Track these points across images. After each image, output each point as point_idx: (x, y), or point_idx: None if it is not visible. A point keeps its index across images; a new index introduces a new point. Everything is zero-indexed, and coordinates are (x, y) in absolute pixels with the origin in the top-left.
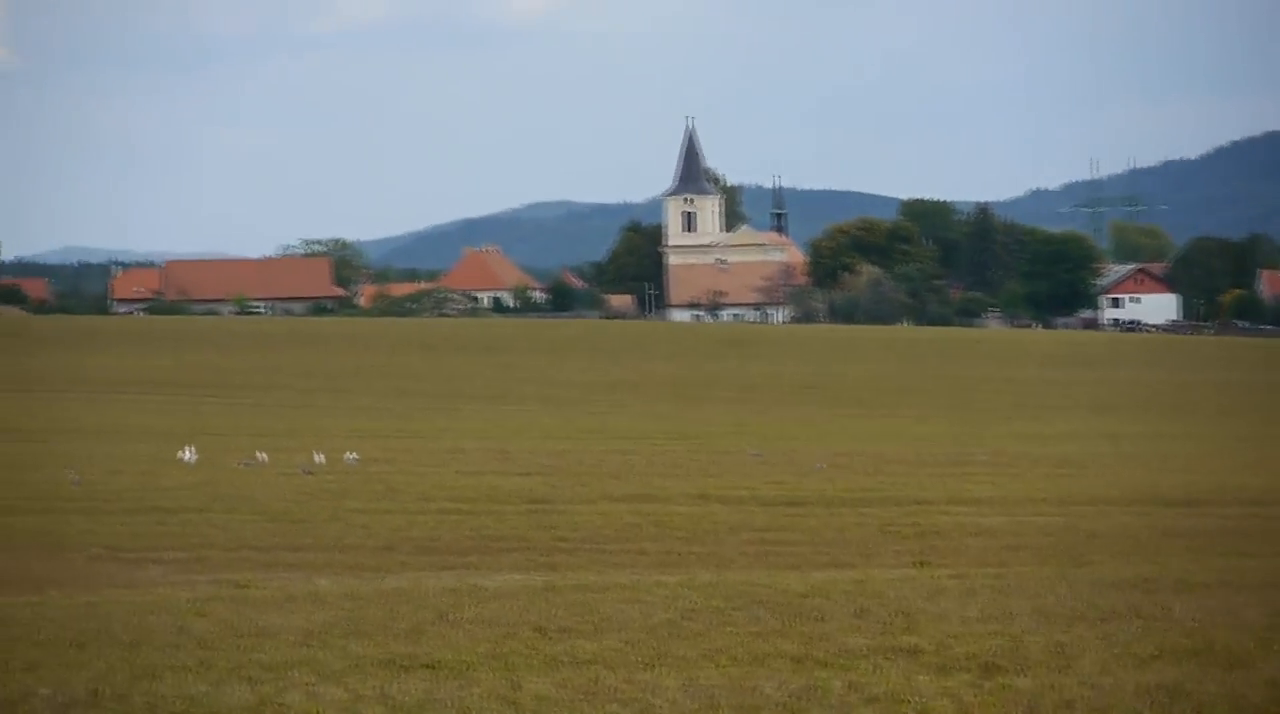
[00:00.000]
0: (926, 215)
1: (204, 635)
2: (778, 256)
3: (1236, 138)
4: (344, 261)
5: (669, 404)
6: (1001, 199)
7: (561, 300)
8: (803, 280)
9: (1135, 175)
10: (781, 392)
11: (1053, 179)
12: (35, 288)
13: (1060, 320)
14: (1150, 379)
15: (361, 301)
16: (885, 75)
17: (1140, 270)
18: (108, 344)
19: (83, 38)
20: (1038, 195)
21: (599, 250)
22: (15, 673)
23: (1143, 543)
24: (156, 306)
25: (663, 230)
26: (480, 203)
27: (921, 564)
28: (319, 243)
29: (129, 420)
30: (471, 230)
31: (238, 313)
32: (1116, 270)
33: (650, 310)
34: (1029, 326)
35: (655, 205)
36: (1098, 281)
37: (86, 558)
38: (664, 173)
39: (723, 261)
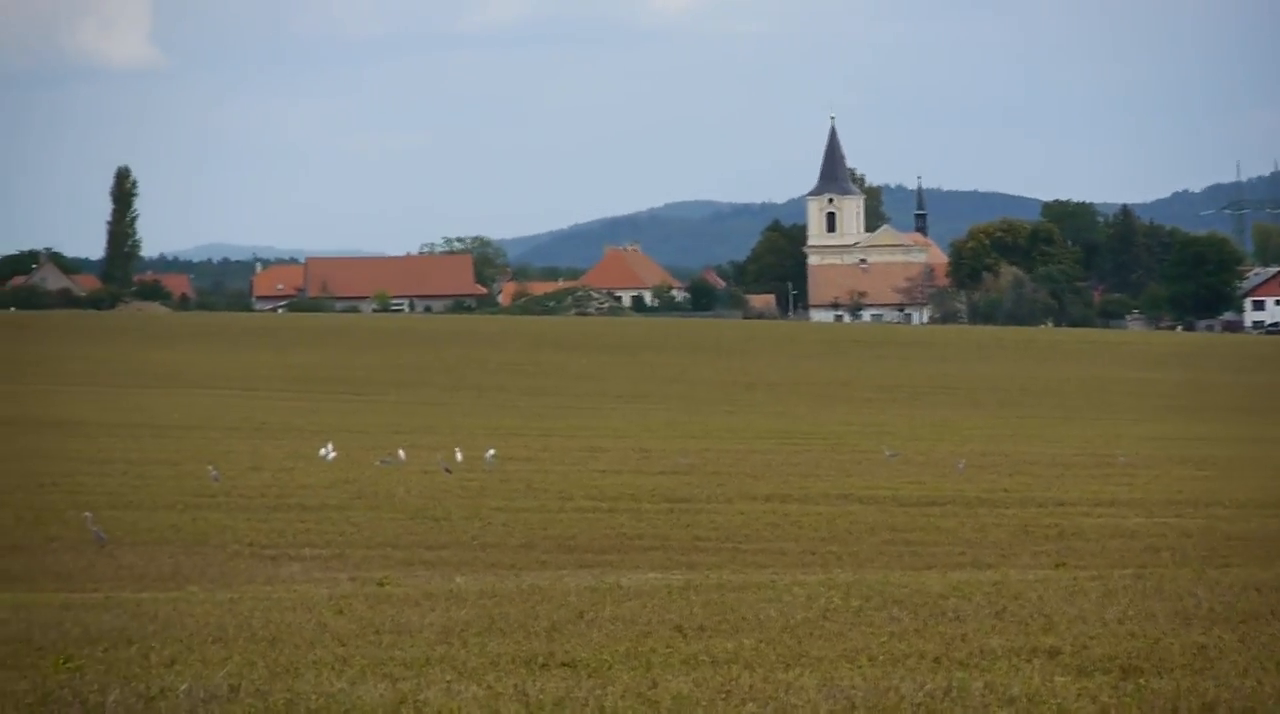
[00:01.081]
0: (1068, 216)
1: (343, 632)
2: (919, 257)
3: None
4: (485, 259)
5: (808, 404)
6: (1144, 201)
7: (702, 300)
8: (944, 281)
9: (1279, 177)
10: (921, 392)
11: (1196, 181)
12: (178, 284)
13: (1202, 323)
14: None
15: (502, 299)
16: (1028, 76)
17: None
18: (249, 341)
19: (229, 37)
20: (1181, 197)
21: (741, 250)
22: (155, 668)
23: None
24: (298, 304)
25: (805, 230)
26: (622, 201)
27: (1061, 565)
28: (460, 241)
29: (269, 417)
30: (613, 229)
31: (379, 310)
32: (1260, 273)
33: (791, 310)
34: (1171, 329)
35: (797, 205)
36: (1240, 284)
37: (227, 554)
38: (806, 173)
39: (864, 262)
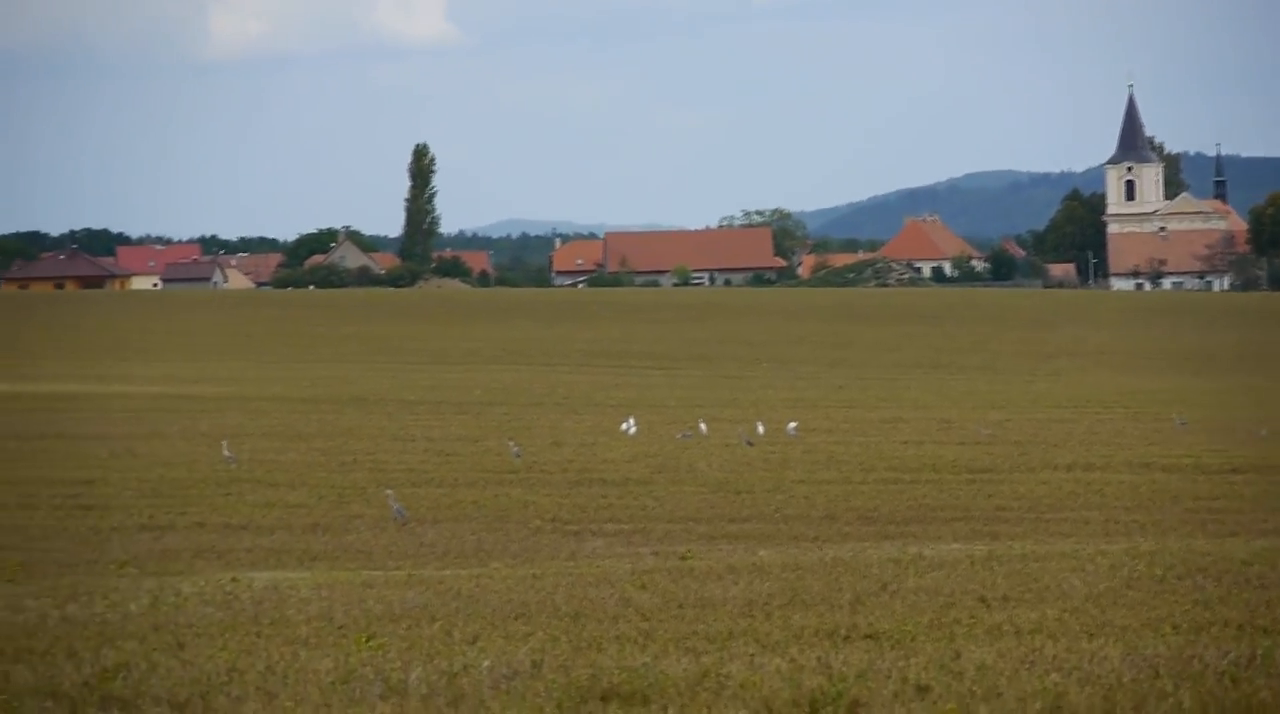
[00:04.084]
0: None
1: (646, 607)
2: (1219, 224)
3: None
4: (785, 232)
5: (1109, 372)
6: None
7: (1002, 269)
8: (1244, 248)
9: None
10: (1222, 359)
11: None
12: (477, 261)
13: None
14: None
15: (802, 272)
16: None
17: None
18: (549, 316)
19: (525, 13)
20: None
21: (1040, 219)
22: (458, 645)
23: None
24: (597, 278)
25: (1104, 199)
26: (921, 172)
27: None
28: (760, 213)
29: (570, 392)
30: (912, 200)
31: (678, 284)
32: None
33: (1092, 279)
34: None
35: (1096, 173)
36: None
37: (529, 530)
38: (1105, 141)
39: (1163, 230)
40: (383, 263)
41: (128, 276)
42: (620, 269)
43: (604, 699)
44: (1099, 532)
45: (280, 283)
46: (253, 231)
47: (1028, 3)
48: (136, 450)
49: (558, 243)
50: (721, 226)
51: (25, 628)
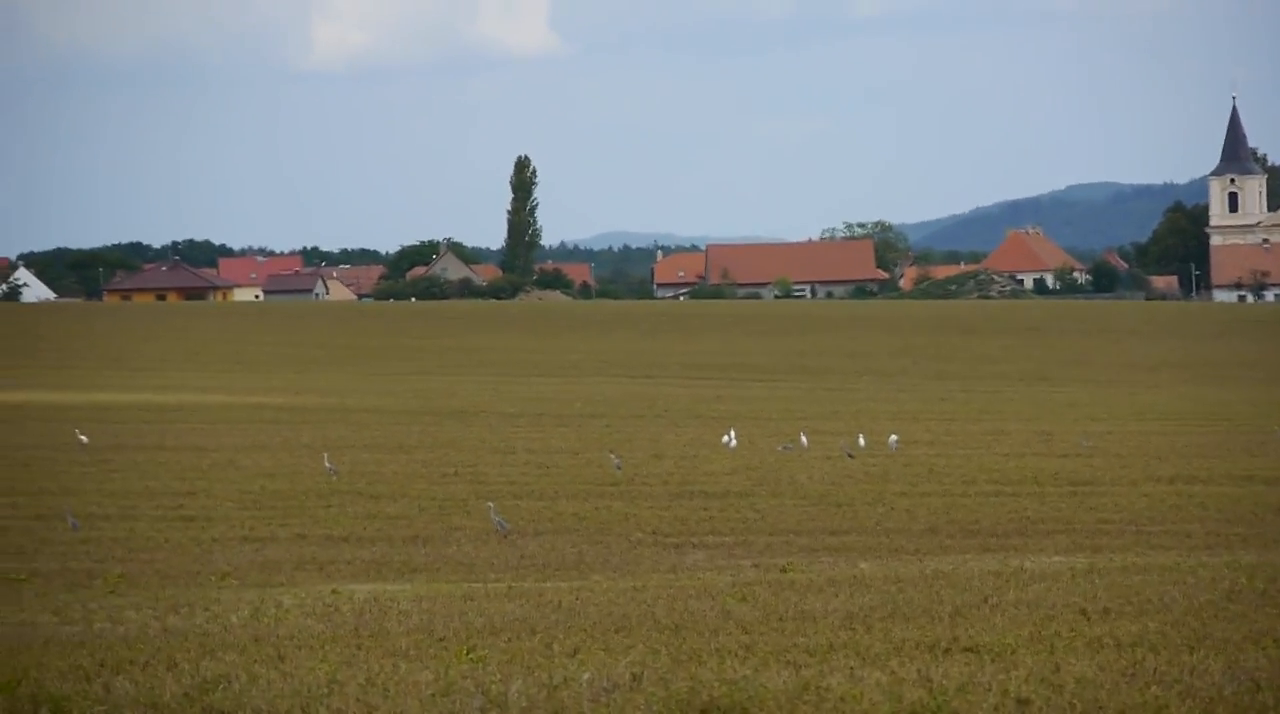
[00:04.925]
0: None
1: (746, 619)
2: None
3: None
4: (886, 244)
5: (1210, 385)
6: None
7: (1104, 281)
8: None
9: None
10: None
11: None
12: (578, 273)
13: None
14: None
15: (904, 284)
16: None
17: None
18: (650, 328)
19: (627, 22)
20: None
21: (1143, 231)
22: (558, 658)
23: None
24: (699, 290)
25: (1207, 211)
26: (1023, 184)
27: None
28: (862, 226)
29: (671, 404)
30: (1014, 212)
31: (780, 296)
32: None
33: (1194, 291)
34: None
35: (1199, 185)
36: None
37: (629, 543)
38: (1208, 153)
39: (1266, 242)
40: (484, 275)
41: (229, 288)
42: (722, 281)
43: (704, 712)
44: (1200, 544)
45: (382, 294)
46: (354, 243)
47: (1131, 14)
48: (238, 462)
49: (659, 255)
50: (823, 239)
51: (126, 639)
